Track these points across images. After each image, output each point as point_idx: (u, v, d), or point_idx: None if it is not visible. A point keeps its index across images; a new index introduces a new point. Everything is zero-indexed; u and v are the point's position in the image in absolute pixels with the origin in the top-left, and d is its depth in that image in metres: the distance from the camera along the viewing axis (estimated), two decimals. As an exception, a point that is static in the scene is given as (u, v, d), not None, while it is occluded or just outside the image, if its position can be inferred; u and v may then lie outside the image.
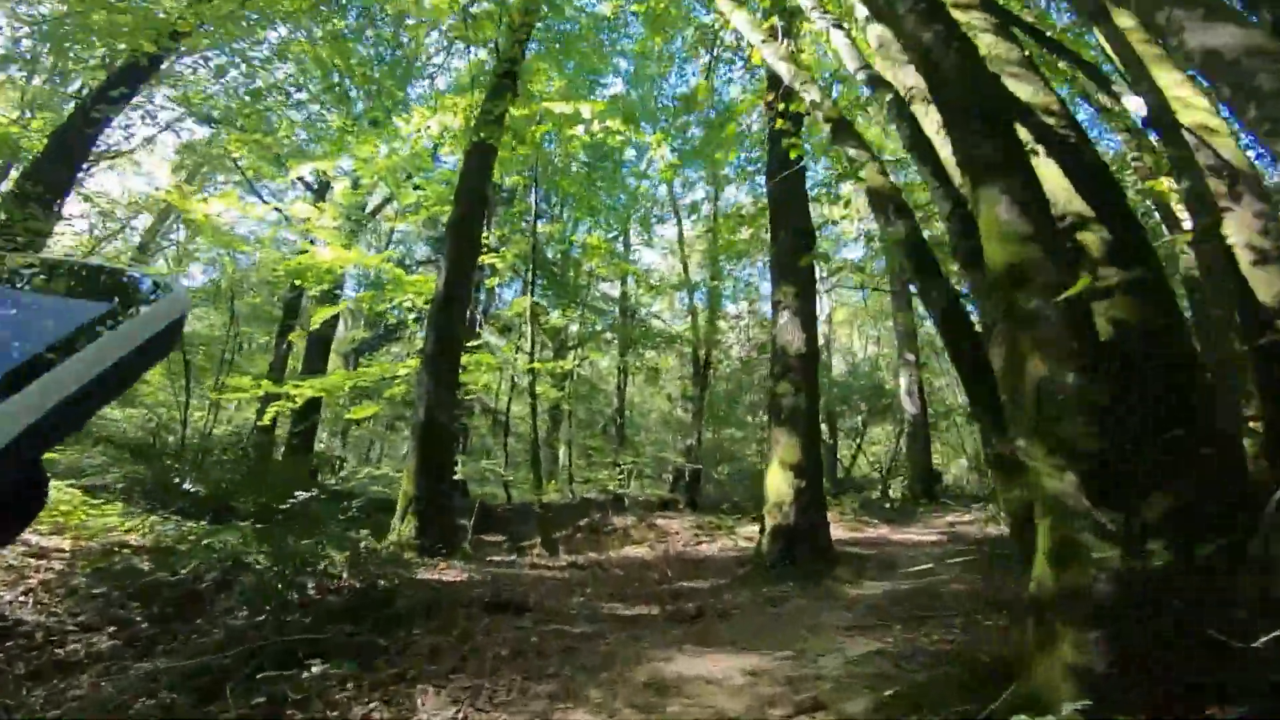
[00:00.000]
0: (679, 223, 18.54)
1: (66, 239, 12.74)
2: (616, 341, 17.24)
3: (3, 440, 0.40)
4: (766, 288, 13.88)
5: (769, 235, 8.57)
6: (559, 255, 16.85)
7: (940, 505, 14.36)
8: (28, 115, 10.87)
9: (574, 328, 16.56)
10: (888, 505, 14.09)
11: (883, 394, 18.15)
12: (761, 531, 7.28)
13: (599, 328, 17.90)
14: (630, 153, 14.82)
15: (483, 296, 16.40)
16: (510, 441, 14.50)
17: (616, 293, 18.64)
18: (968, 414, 23.62)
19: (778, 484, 7.05)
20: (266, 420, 11.29)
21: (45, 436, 0.45)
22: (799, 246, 7.75)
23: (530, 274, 11.23)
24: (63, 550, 4.77)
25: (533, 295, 10.89)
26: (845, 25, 5.13)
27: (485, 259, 10.34)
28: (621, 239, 18.12)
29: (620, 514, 11.48)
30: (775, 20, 5.80)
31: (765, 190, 8.60)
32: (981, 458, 25.95)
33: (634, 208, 17.03)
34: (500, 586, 5.81)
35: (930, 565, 6.34)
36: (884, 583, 6.04)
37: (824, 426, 14.01)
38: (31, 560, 4.40)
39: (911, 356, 15.97)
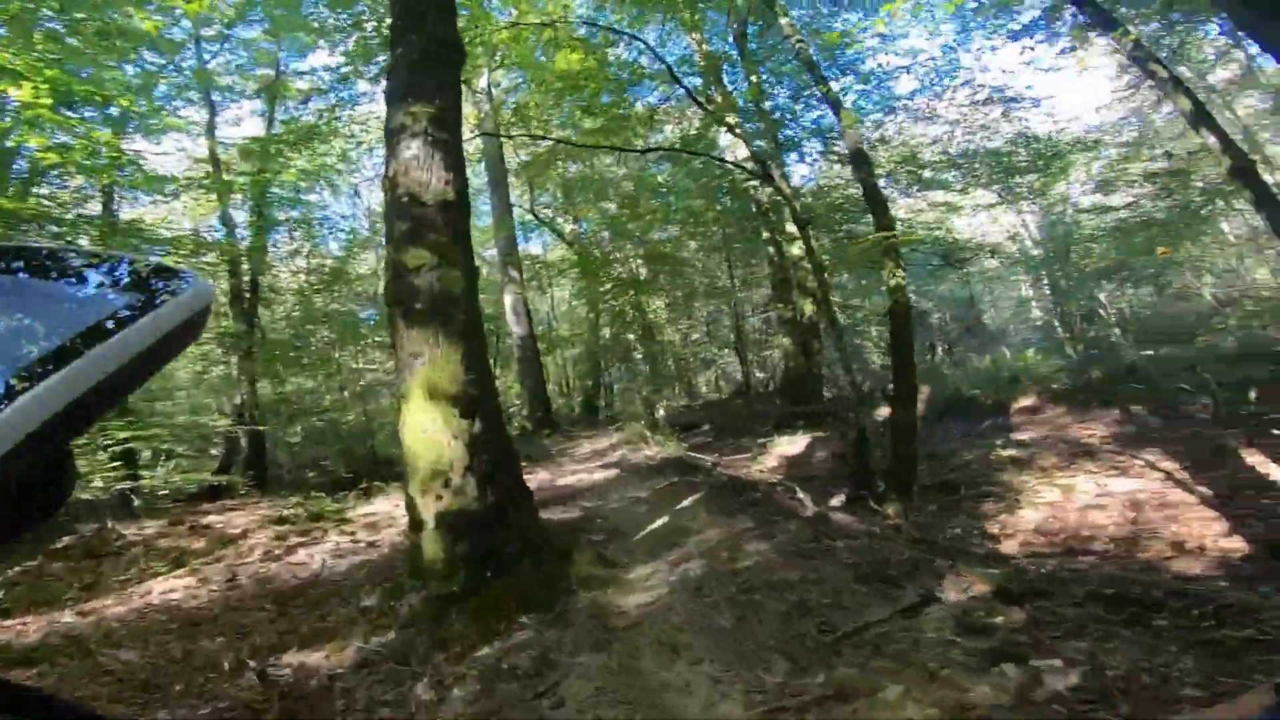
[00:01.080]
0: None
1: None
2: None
3: (29, 428, 0.40)
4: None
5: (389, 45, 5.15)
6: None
7: (564, 433, 13.28)
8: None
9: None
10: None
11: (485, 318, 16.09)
12: (414, 522, 4.26)
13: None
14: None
15: None
16: None
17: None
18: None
19: (431, 434, 4.00)
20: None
21: (70, 425, 0.45)
22: (439, 57, 4.72)
23: None
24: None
25: None
26: None
27: None
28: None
29: (133, 521, 6.93)
30: None
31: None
32: (573, 374, 27.13)
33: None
34: None
35: (664, 516, 4.57)
36: (659, 570, 3.93)
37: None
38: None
39: (516, 274, 14.22)
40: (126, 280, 0.59)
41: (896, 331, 5.91)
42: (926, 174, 14.71)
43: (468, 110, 17.20)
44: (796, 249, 13.87)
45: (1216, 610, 2.61)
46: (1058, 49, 12.88)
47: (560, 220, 19.66)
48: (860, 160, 6.10)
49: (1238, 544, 4.68)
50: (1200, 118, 7.01)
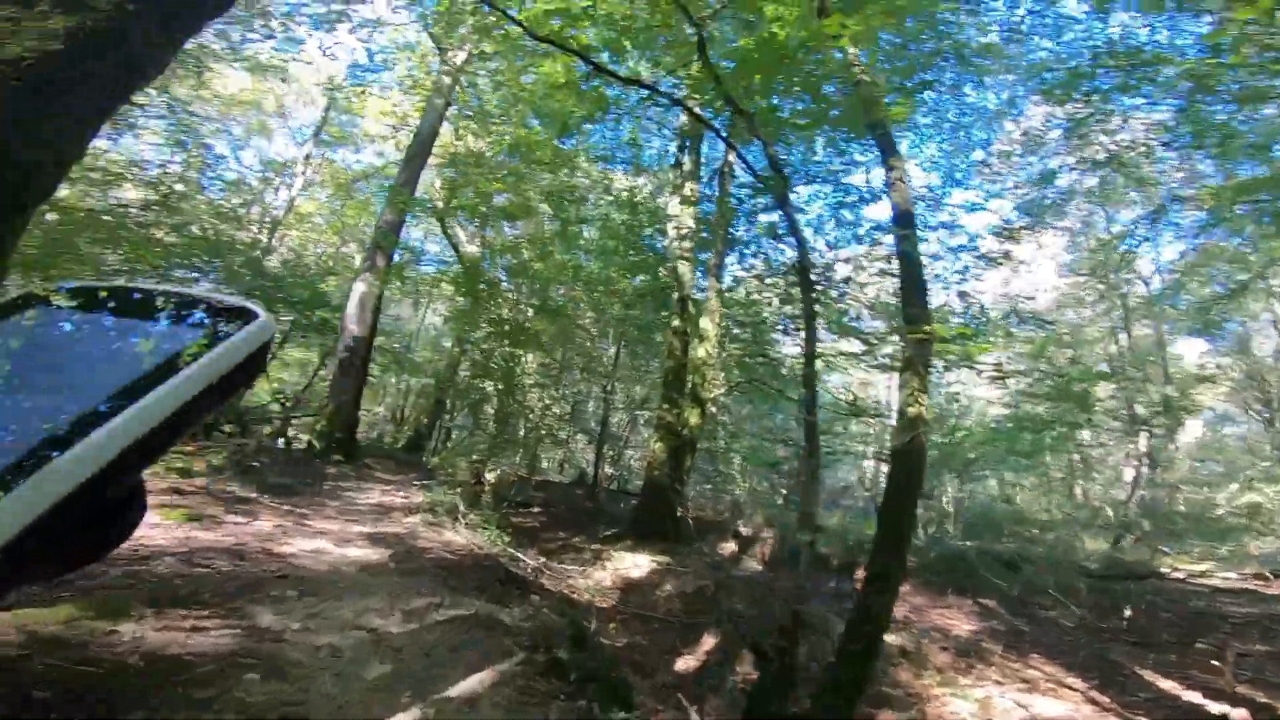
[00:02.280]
0: None
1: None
2: None
3: (107, 458, 0.42)
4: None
5: None
6: None
7: (363, 466, 9.99)
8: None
9: None
10: (283, 461, 8.85)
11: (320, 303, 12.67)
12: None
13: None
14: None
15: None
16: None
17: None
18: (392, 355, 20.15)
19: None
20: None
21: (144, 455, 0.46)
22: None
23: None
24: None
25: None
26: None
27: None
28: None
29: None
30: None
31: None
32: (410, 404, 23.11)
33: None
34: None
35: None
36: None
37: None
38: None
39: (381, 262, 11.22)
40: (195, 317, 0.60)
41: (903, 482, 3.83)
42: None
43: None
44: (704, 351, 12.14)
45: None
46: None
47: (460, 235, 16.94)
48: (906, 222, 4.23)
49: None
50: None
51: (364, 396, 19.21)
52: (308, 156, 18.13)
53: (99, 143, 14.77)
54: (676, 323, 12.23)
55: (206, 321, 0.59)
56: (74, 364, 0.55)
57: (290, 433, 11.32)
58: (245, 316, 0.59)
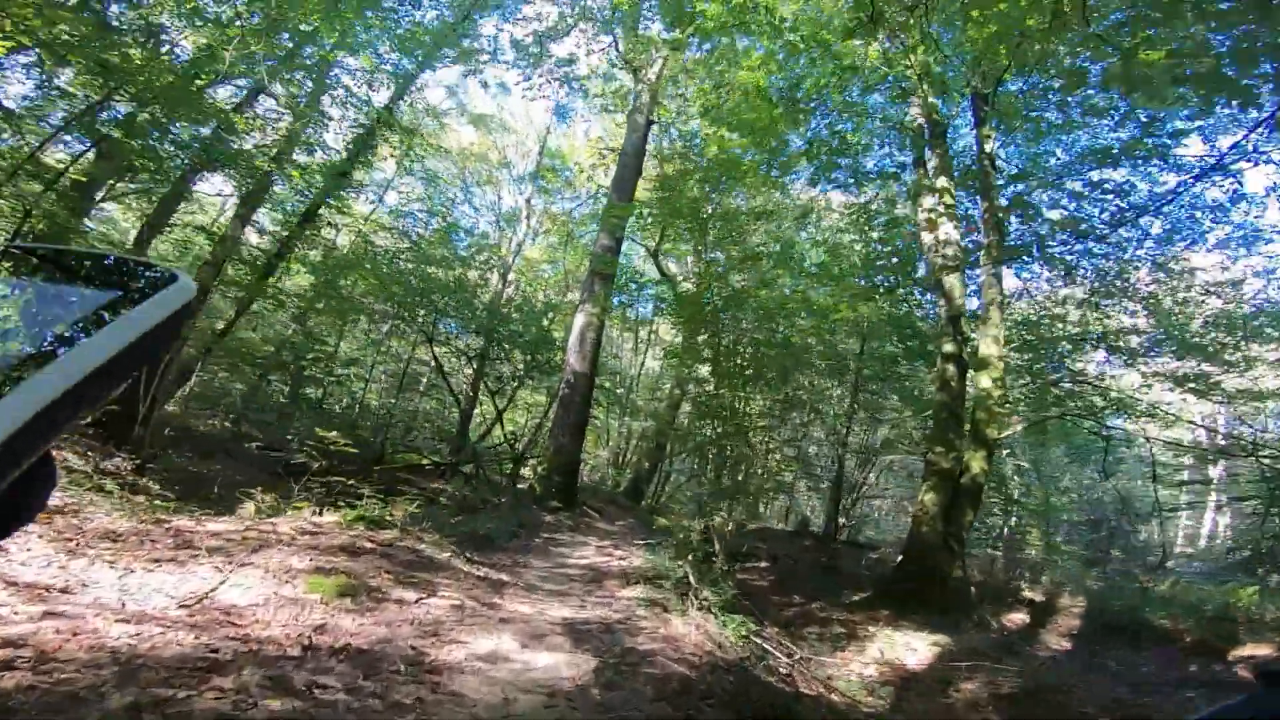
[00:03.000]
0: None
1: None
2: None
3: (10, 428, 0.39)
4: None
5: None
6: None
7: (581, 513, 9.04)
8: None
9: None
10: (495, 504, 8.17)
11: (547, 342, 12.42)
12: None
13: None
14: None
15: None
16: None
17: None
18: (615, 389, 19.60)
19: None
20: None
21: (52, 425, 0.44)
22: None
23: None
24: None
25: None
26: None
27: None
28: None
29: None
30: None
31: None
32: (631, 448, 22.79)
33: None
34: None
35: None
36: None
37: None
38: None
39: (600, 289, 10.48)
40: (106, 278, 0.59)
41: None
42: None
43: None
44: (987, 379, 9.28)
45: None
46: None
47: (673, 268, 16.08)
48: None
49: None
50: None
51: (586, 439, 19.22)
52: (529, 200, 18.93)
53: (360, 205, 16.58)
54: (949, 347, 9.59)
55: (125, 284, 0.56)
56: None
57: (524, 471, 10.99)
58: (166, 280, 0.55)
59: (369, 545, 3.77)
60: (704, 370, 15.72)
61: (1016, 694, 4.40)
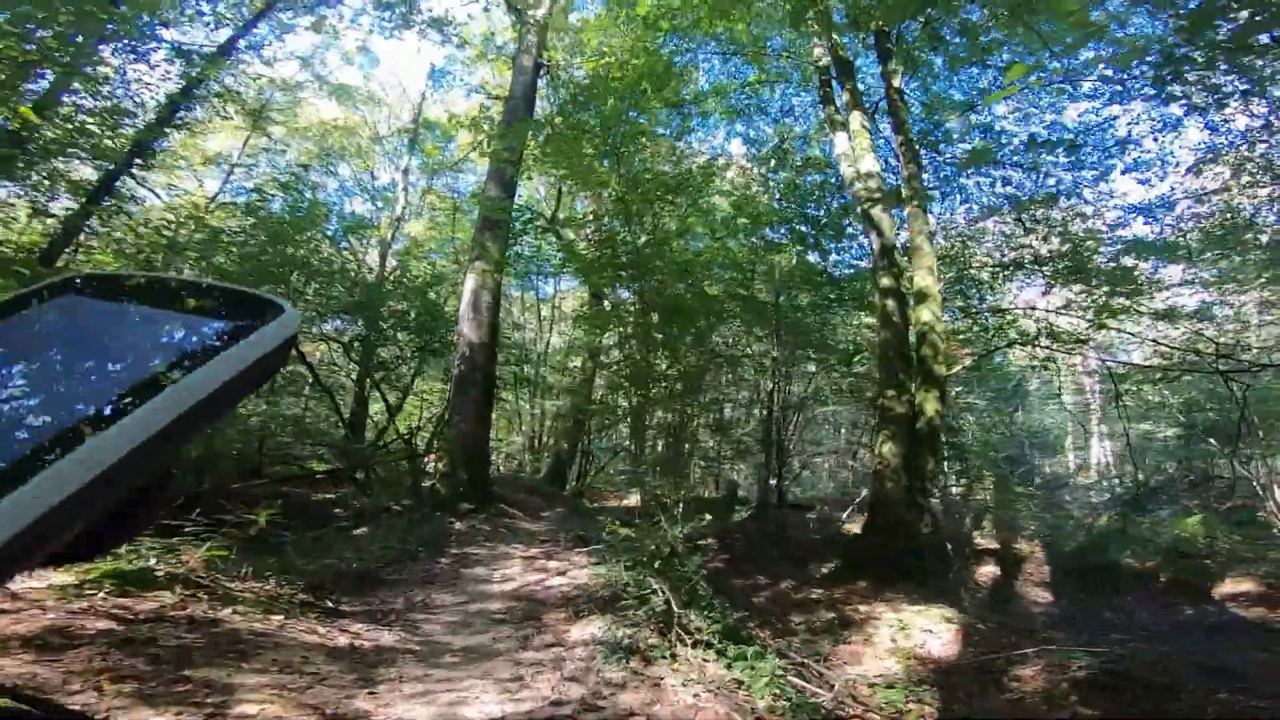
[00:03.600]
0: None
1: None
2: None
3: (135, 442, 0.42)
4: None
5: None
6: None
7: (498, 512, 7.37)
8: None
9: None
10: (393, 513, 6.39)
11: (436, 317, 10.52)
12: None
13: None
14: None
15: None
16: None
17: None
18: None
19: None
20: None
21: (169, 444, 0.46)
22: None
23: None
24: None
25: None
26: None
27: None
28: None
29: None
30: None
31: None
32: (546, 430, 20.95)
33: None
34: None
35: None
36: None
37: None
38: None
39: (494, 247, 8.68)
40: (219, 309, 0.59)
41: None
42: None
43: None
44: (927, 312, 8.49)
45: None
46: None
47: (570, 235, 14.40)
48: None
49: None
50: None
51: (496, 424, 17.27)
52: (404, 171, 16.57)
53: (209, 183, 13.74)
54: (886, 281, 8.72)
55: (233, 314, 0.57)
56: (101, 352, 0.54)
57: (428, 467, 9.12)
58: (272, 310, 0.57)
59: (104, 626, 2.03)
60: (610, 340, 14.28)
61: (1097, 679, 3.36)
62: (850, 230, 12.23)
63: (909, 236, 9.55)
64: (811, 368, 14.65)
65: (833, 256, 12.94)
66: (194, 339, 0.53)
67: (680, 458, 10.53)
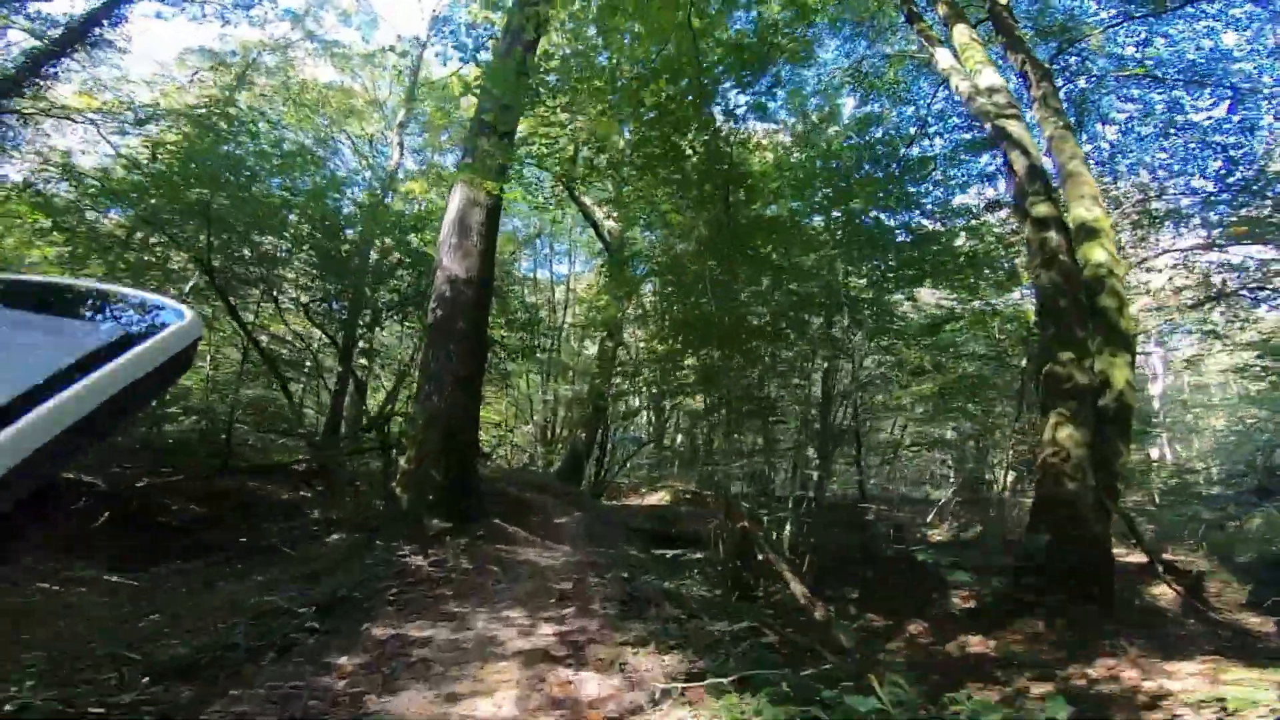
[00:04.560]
0: None
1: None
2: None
3: (16, 459, 0.39)
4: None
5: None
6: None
7: (487, 534, 4.80)
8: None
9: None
10: (345, 523, 3.90)
11: (425, 260, 8.03)
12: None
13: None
14: None
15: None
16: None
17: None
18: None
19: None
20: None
21: (56, 458, 0.43)
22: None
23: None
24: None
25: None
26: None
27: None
28: None
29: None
30: None
31: None
32: (560, 420, 18.21)
33: None
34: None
35: None
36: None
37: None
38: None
39: (496, 155, 6.07)
40: (113, 314, 0.57)
41: None
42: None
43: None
44: (1101, 251, 5.85)
45: None
46: None
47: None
48: None
49: None
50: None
51: (504, 412, 14.73)
52: (401, 124, 14.12)
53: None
54: (1042, 208, 6.07)
55: (131, 319, 0.54)
56: None
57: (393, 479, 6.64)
58: (172, 315, 0.54)
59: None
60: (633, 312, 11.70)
61: None
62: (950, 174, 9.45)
63: (1058, 164, 6.91)
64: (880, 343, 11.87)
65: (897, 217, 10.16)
66: (84, 346, 0.48)
67: (769, 442, 7.92)
